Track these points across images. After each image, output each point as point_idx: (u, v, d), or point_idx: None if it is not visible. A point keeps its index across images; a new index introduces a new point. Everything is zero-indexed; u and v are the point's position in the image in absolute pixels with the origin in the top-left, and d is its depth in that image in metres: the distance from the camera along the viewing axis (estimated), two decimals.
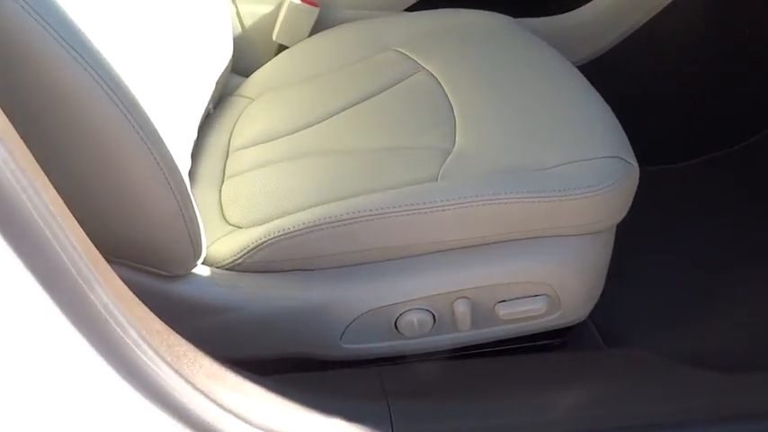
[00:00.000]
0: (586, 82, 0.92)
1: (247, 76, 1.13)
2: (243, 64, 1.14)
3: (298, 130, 0.94)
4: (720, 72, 1.28)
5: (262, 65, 1.12)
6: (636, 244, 0.97)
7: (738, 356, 0.91)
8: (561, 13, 1.22)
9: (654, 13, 1.20)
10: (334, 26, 1.12)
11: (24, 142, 0.45)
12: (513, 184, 0.73)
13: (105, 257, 0.51)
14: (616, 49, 1.25)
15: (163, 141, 0.64)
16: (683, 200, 1.26)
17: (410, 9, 1.17)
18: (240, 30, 1.14)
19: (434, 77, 0.96)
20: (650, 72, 1.28)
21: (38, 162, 0.46)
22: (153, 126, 0.63)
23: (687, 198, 1.27)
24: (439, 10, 1.13)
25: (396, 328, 0.77)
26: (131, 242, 0.67)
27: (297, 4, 1.08)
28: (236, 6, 1.11)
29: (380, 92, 0.97)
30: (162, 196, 0.62)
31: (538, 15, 1.23)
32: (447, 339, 0.79)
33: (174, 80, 0.87)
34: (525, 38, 1.03)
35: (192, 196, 0.68)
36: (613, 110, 0.93)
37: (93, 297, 0.45)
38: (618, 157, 0.76)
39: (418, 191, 0.74)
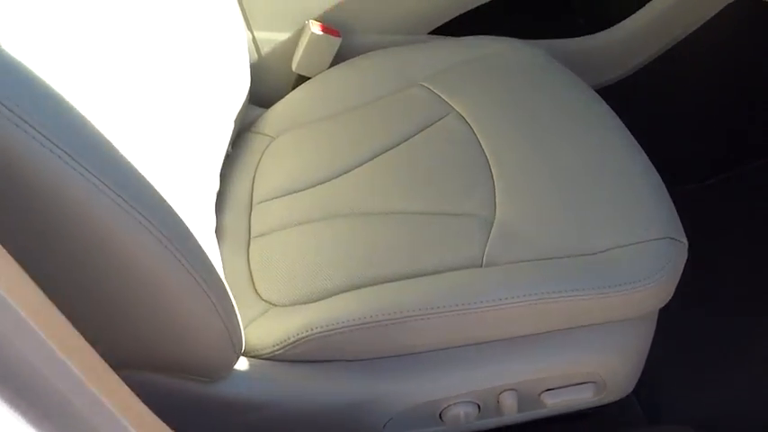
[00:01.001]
0: (628, 134, 0.89)
1: (265, 107, 1.08)
2: (261, 94, 1.09)
3: (325, 181, 0.90)
4: (744, 91, 1.24)
5: (280, 96, 1.07)
6: None
7: None
8: (589, 33, 1.17)
9: (684, 35, 1.16)
10: (355, 54, 1.07)
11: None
12: (562, 279, 0.69)
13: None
14: (643, 70, 1.21)
15: (204, 260, 0.60)
16: (711, 221, 1.24)
17: (435, 32, 1.12)
18: (257, 58, 1.08)
19: (466, 122, 0.92)
20: (676, 92, 1.25)
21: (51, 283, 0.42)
22: (197, 252, 0.59)
23: (715, 219, 1.25)
24: (466, 39, 1.07)
25: (440, 418, 0.75)
26: (172, 358, 0.64)
27: (318, 35, 1.03)
28: (252, 33, 1.06)
29: (409, 137, 0.92)
30: (205, 319, 0.59)
31: (566, 36, 1.18)
32: (491, 423, 0.77)
33: (193, 125, 0.83)
34: (560, 74, 0.99)
35: (235, 310, 0.65)
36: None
37: None
38: (668, 238, 0.74)
39: (464, 285, 0.70)
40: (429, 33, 1.11)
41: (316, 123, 0.99)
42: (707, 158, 1.30)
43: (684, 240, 0.74)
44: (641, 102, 1.22)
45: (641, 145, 0.89)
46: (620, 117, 0.94)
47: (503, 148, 0.86)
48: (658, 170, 0.84)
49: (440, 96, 0.97)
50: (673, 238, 0.74)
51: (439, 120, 0.94)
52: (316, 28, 1.02)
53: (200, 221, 0.78)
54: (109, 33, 0.71)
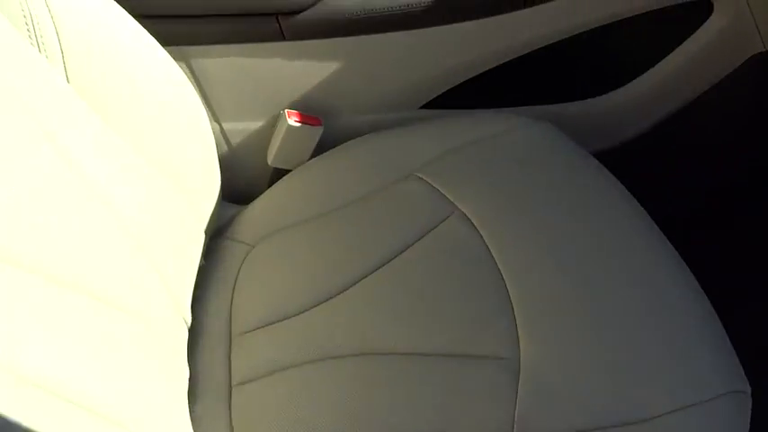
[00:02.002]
0: (667, 243, 0.78)
1: (240, 203, 0.96)
2: (235, 190, 0.96)
3: (315, 305, 0.77)
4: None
5: (256, 190, 0.94)
6: None
7: None
8: (595, 96, 1.07)
9: (695, 96, 1.06)
10: (340, 139, 0.95)
11: None
12: None
13: None
14: (648, 133, 1.11)
15: None
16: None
17: (427, 106, 1.00)
18: (227, 150, 0.96)
19: (472, 225, 0.80)
20: (686, 157, 1.15)
21: None
22: None
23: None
24: (465, 116, 0.96)
25: None
26: None
27: (296, 127, 0.91)
28: (220, 124, 0.94)
29: (407, 246, 0.80)
30: None
31: (566, 100, 1.08)
32: None
33: (158, 257, 0.70)
34: (576, 157, 0.87)
35: None
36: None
37: None
38: (735, 392, 0.63)
39: None
40: (421, 108, 1.00)
41: (299, 227, 0.87)
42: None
43: (748, 389, 0.63)
44: (644, 167, 1.12)
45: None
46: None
47: (520, 262, 0.75)
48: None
49: (438, 191, 0.86)
50: (740, 391, 0.63)
51: (440, 223, 0.82)
52: (292, 119, 0.90)
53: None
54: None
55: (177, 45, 0.85)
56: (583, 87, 1.08)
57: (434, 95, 0.99)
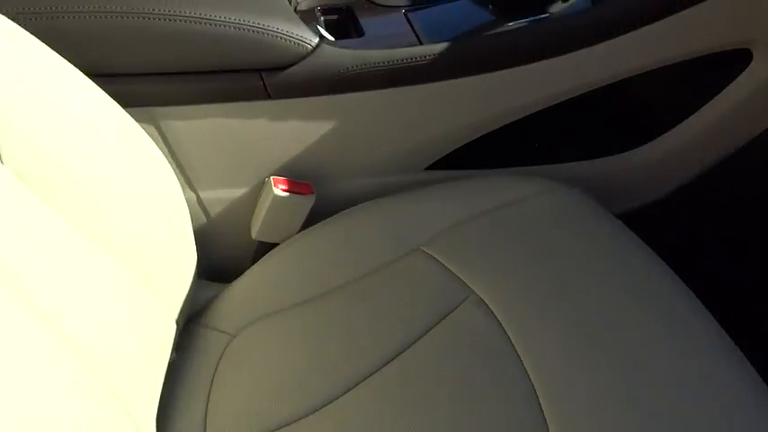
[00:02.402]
0: (711, 319, 0.67)
1: (219, 281, 0.84)
2: (214, 267, 0.84)
3: (309, 413, 0.65)
4: None
5: (238, 267, 0.82)
6: None
7: None
8: (620, 152, 0.96)
9: (735, 148, 0.95)
10: (335, 207, 0.83)
11: None
12: None
13: None
14: (677, 193, 1.00)
15: None
16: None
17: (432, 167, 0.89)
18: (205, 221, 0.84)
19: (492, 314, 0.68)
20: (717, 216, 1.04)
21: None
22: None
23: None
24: (478, 179, 0.85)
25: None
26: None
27: (284, 197, 0.80)
28: (197, 193, 0.82)
29: (417, 338, 0.68)
30: None
31: (587, 157, 0.97)
32: None
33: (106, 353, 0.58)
34: (614, 231, 0.76)
35: None
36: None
37: None
38: None
39: None
40: (426, 169, 0.89)
41: (288, 314, 0.74)
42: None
43: None
44: (674, 227, 1.01)
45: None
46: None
47: (550, 362, 0.62)
48: None
49: (449, 270, 0.74)
50: None
51: (452, 311, 0.70)
52: (279, 187, 0.79)
53: None
54: None
55: (145, 106, 0.74)
56: (606, 143, 0.98)
57: (441, 155, 0.88)
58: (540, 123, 0.90)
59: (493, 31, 0.80)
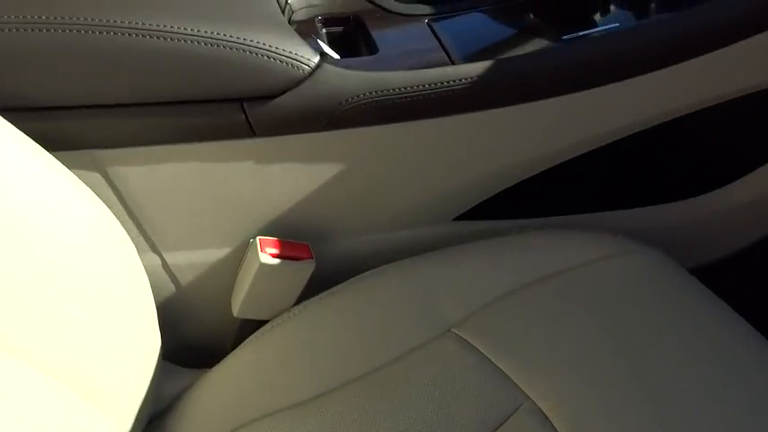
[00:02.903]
0: None
1: (193, 366, 0.66)
2: (181, 350, 0.66)
3: None
4: None
5: (217, 353, 0.64)
6: None
7: None
8: (695, 196, 0.78)
9: None
10: (342, 271, 0.64)
11: None
12: None
13: None
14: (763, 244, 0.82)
15: None
16: None
17: (462, 217, 0.71)
18: (174, 291, 0.66)
19: (550, 425, 0.51)
20: None
21: None
22: None
23: None
24: (524, 234, 0.67)
25: None
26: None
27: (273, 266, 0.61)
28: (162, 256, 0.64)
29: None
30: None
31: (647, 203, 0.78)
32: None
33: None
34: (706, 305, 0.58)
35: None
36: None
37: None
38: None
39: None
40: (456, 220, 0.71)
41: (281, 419, 0.56)
42: None
43: None
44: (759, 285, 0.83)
45: None
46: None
47: None
48: None
49: (492, 362, 0.55)
50: None
51: (499, 426, 0.52)
52: (267, 251, 0.60)
53: None
54: None
55: (85, 149, 0.56)
56: (675, 185, 0.79)
57: (475, 203, 0.70)
58: (595, 161, 0.72)
59: (547, 47, 0.62)
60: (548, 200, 0.73)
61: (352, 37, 0.69)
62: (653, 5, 0.69)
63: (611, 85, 0.61)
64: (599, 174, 0.75)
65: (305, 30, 0.67)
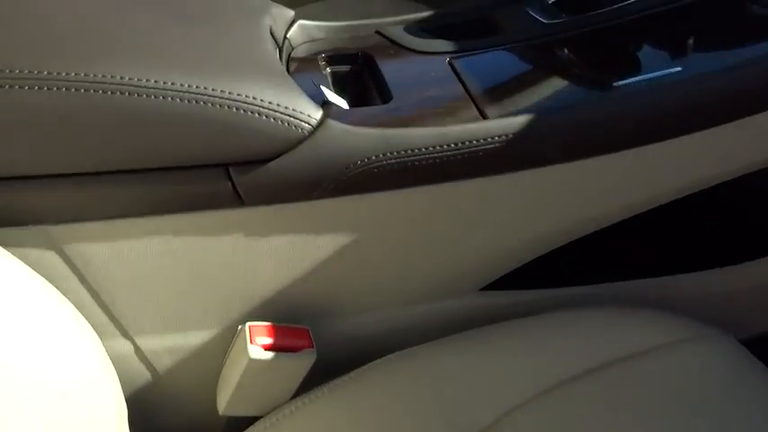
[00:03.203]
0: None
1: None
2: None
3: None
4: None
5: None
6: None
7: None
8: (751, 260, 0.68)
9: None
10: (344, 354, 0.55)
11: None
12: None
13: None
14: None
15: None
16: None
17: (490, 287, 0.61)
18: (149, 379, 0.55)
19: None
20: None
21: None
22: None
23: None
24: (566, 312, 0.56)
25: None
26: None
27: (265, 361, 0.51)
28: (134, 342, 0.53)
29: None
30: None
31: (708, 267, 0.68)
32: None
33: None
34: None
35: None
36: None
37: None
38: None
39: None
40: (483, 290, 0.61)
41: None
42: None
43: None
44: None
45: None
46: None
47: None
48: None
49: None
50: None
51: None
52: (258, 343, 0.50)
53: None
54: None
55: (37, 224, 0.46)
56: (728, 248, 0.69)
57: (506, 272, 0.60)
58: (640, 223, 0.62)
59: (602, 96, 0.52)
60: (584, 266, 0.63)
61: (360, 78, 0.58)
62: (691, 43, 0.59)
63: (675, 140, 0.51)
64: (643, 237, 0.65)
65: (305, 70, 0.58)
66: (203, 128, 0.43)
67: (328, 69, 0.59)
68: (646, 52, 0.57)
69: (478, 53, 0.60)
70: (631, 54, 0.56)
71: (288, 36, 0.61)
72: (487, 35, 0.63)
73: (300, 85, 0.49)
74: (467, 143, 0.47)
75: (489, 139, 0.48)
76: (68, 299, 0.46)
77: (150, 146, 0.43)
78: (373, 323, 0.57)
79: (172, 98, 0.42)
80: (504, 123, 0.48)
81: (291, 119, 0.45)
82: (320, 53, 0.60)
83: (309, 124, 0.45)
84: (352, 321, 0.56)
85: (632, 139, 0.50)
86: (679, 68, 0.52)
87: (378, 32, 0.64)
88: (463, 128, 0.48)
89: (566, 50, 0.59)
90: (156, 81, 0.42)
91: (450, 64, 0.58)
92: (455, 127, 0.48)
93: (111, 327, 0.51)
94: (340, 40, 0.62)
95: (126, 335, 0.52)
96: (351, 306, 0.56)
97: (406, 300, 0.57)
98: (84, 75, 0.41)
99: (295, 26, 0.62)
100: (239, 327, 0.51)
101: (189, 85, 0.42)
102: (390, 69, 0.58)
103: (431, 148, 0.47)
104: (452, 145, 0.47)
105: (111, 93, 0.41)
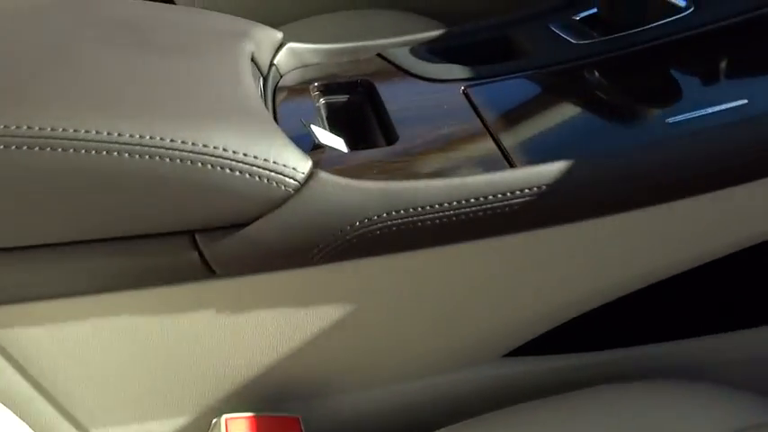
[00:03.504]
0: None
1: None
2: None
3: None
4: None
5: None
6: None
7: None
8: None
9: None
10: (361, 430, 0.46)
11: None
12: None
13: None
14: None
15: None
16: None
17: (513, 353, 0.52)
18: None
19: None
20: None
21: None
22: None
23: None
24: (604, 388, 0.46)
25: None
26: None
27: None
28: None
29: None
30: None
31: (742, 327, 0.58)
32: None
33: None
34: None
35: None
36: None
37: None
38: None
39: None
40: (506, 356, 0.52)
41: None
42: None
43: None
44: None
45: None
46: None
47: None
48: None
49: None
50: None
51: None
52: None
53: None
54: None
55: None
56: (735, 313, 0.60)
57: (532, 337, 0.51)
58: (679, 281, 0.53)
59: (649, 131, 0.43)
60: (615, 328, 0.54)
61: (360, 111, 0.50)
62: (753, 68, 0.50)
63: (730, 189, 0.43)
64: (685, 294, 0.56)
65: (294, 103, 0.49)
66: (159, 188, 0.34)
67: (322, 100, 0.51)
68: (698, 79, 0.48)
69: (497, 81, 0.51)
70: (681, 82, 0.48)
71: (275, 62, 0.52)
72: (507, 59, 0.54)
73: (286, 126, 0.40)
74: (490, 197, 0.39)
75: (518, 192, 0.39)
76: (9, 395, 0.38)
77: (95, 212, 0.35)
78: (376, 402, 0.48)
79: (118, 152, 0.33)
80: (536, 172, 0.39)
81: (272, 174, 0.36)
82: (313, 81, 0.51)
83: (295, 179, 0.36)
84: (351, 402, 0.48)
85: (701, 185, 0.42)
86: (744, 101, 0.43)
87: (380, 55, 0.56)
88: (486, 179, 0.39)
89: (600, 76, 0.51)
90: (97, 132, 0.33)
91: (466, 94, 0.50)
92: (475, 177, 0.39)
93: (63, 422, 0.43)
94: (336, 65, 0.54)
95: (79, 426, 0.44)
96: (349, 384, 0.47)
97: (414, 373, 0.49)
98: (5, 127, 0.32)
99: (284, 50, 0.54)
100: (214, 420, 0.42)
101: (141, 136, 0.34)
102: (395, 101, 0.49)
103: (446, 204, 0.38)
104: (472, 200, 0.39)
105: (41, 148, 0.33)
